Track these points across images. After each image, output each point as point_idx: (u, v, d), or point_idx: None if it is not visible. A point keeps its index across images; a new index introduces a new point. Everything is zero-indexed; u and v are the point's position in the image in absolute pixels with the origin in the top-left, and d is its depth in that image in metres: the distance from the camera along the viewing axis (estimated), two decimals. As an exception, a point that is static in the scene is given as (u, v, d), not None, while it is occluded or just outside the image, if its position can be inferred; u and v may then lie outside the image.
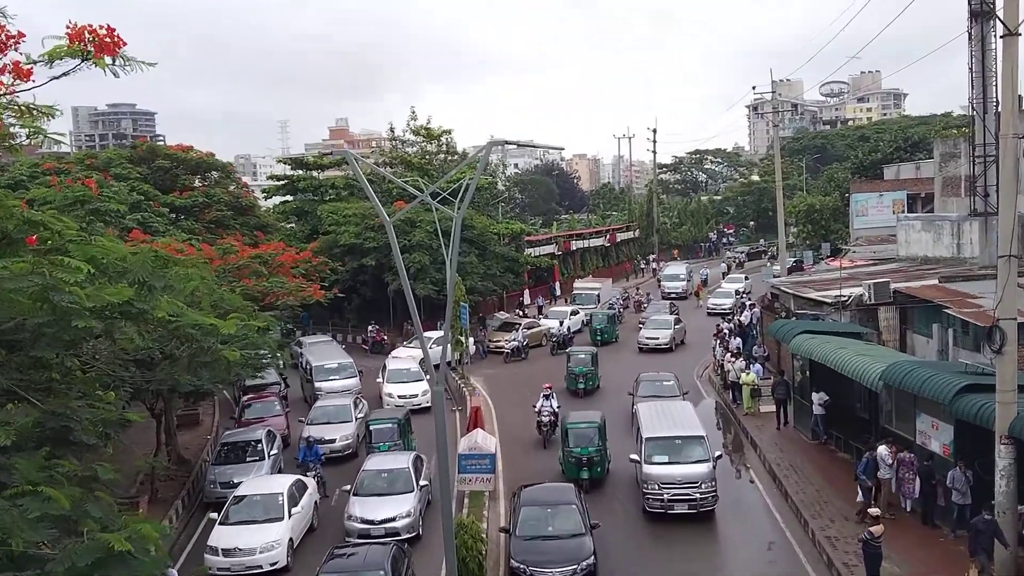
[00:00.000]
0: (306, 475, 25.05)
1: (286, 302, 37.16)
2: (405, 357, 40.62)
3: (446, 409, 17.87)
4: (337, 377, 36.96)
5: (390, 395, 35.73)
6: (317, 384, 36.49)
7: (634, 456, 24.42)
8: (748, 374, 32.90)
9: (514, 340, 45.49)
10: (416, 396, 35.41)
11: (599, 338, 46.64)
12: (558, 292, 65.19)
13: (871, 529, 18.07)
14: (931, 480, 21.07)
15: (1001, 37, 18.71)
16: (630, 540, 22.15)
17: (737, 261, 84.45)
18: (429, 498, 24.39)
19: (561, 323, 49.03)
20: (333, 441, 29.69)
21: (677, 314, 50.18)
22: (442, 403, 16.25)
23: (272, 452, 27.20)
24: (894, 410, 24.76)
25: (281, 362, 38.17)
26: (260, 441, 27.32)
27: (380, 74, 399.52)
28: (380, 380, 36.96)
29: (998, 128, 23.03)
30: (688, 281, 65.88)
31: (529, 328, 48.07)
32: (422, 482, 23.97)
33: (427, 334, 42.13)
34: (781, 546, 21.65)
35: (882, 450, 22.39)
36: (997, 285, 18.64)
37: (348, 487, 23.68)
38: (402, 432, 28.07)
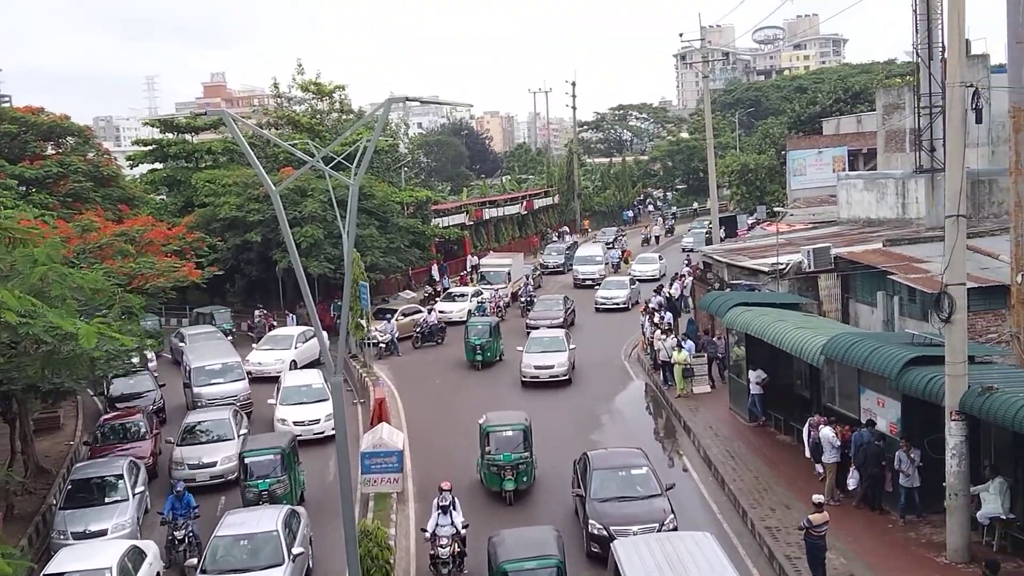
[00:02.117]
0: (174, 533, 22.05)
1: (157, 284, 36.19)
2: (305, 370, 36.76)
3: (346, 402, 17.67)
4: (221, 380, 34.46)
5: (283, 420, 31.00)
6: (196, 390, 34.12)
7: None
8: (680, 352, 33.36)
9: (386, 333, 42.80)
10: (319, 421, 30.78)
11: (478, 357, 39.16)
12: (468, 267, 63.75)
13: (810, 517, 18.50)
14: (880, 462, 21.64)
15: (945, -24, 19.15)
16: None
17: (660, 230, 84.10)
18: (310, 565, 21.33)
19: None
20: (214, 464, 27.12)
21: (570, 319, 46.24)
22: (341, 395, 16.07)
23: (137, 489, 24.48)
24: (837, 387, 25.43)
25: (151, 355, 37.09)
26: (121, 476, 24.40)
27: (261, 21, 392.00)
28: (272, 401, 32.45)
29: (944, 76, 23.68)
30: (605, 264, 62.08)
31: (407, 315, 46.96)
32: (296, 549, 19.99)
33: (281, 333, 42.46)
34: (719, 539, 22.01)
35: (827, 431, 22.94)
36: (945, 248, 19.18)
37: (195, 560, 20.74)
38: (286, 464, 24.35)
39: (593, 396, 34.97)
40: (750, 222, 64.93)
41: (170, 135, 60.97)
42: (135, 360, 31.23)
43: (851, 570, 19.09)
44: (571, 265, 63.28)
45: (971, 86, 24.45)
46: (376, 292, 50.55)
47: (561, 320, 44.78)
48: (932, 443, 20.41)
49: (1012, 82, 23.58)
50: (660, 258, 63.22)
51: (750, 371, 28.88)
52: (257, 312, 48.47)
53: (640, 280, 55.90)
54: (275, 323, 48.01)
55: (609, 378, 37.69)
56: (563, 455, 27.08)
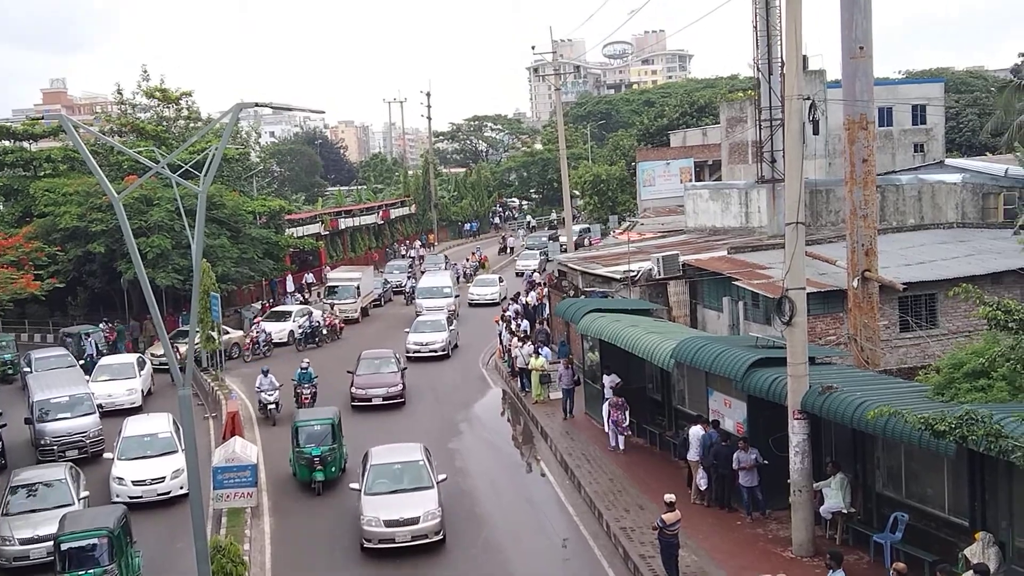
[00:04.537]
0: None
1: (-8, 297, 34.42)
2: (147, 415, 31.30)
3: (197, 416, 17.13)
4: (68, 415, 30.27)
5: (120, 479, 25.83)
6: (39, 427, 29.94)
7: None
8: (537, 358, 33.68)
9: (273, 391, 33.21)
10: (163, 480, 25.89)
11: (318, 474, 26.00)
12: (303, 283, 61.33)
13: (664, 517, 18.88)
14: (728, 461, 22.26)
15: (783, -6, 19.93)
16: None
17: (515, 240, 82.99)
18: None
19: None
20: (47, 539, 21.12)
21: (402, 369, 35.98)
22: (190, 407, 15.59)
23: None
24: (687, 389, 26.12)
25: None
26: None
27: (103, 22, 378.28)
28: (111, 455, 27.34)
29: (783, 89, 24.60)
30: (455, 298, 52.65)
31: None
32: None
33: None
34: (575, 541, 22.34)
35: (696, 429, 23.44)
36: (785, 254, 19.95)
37: None
38: (115, 549, 19.50)
39: (452, 404, 34.93)
40: (599, 236, 66.39)
41: (6, 142, 57.97)
42: None
43: (703, 567, 19.59)
44: (414, 290, 55.37)
45: (808, 99, 25.62)
46: (228, 303, 49.33)
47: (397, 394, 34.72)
48: (776, 441, 21.16)
49: (847, 96, 24.77)
50: (500, 280, 59.47)
51: (604, 375, 29.35)
52: (102, 326, 46.49)
53: (478, 304, 54.67)
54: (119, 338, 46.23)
55: (468, 387, 37.73)
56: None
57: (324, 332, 46.34)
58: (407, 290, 58.20)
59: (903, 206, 36.84)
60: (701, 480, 22.92)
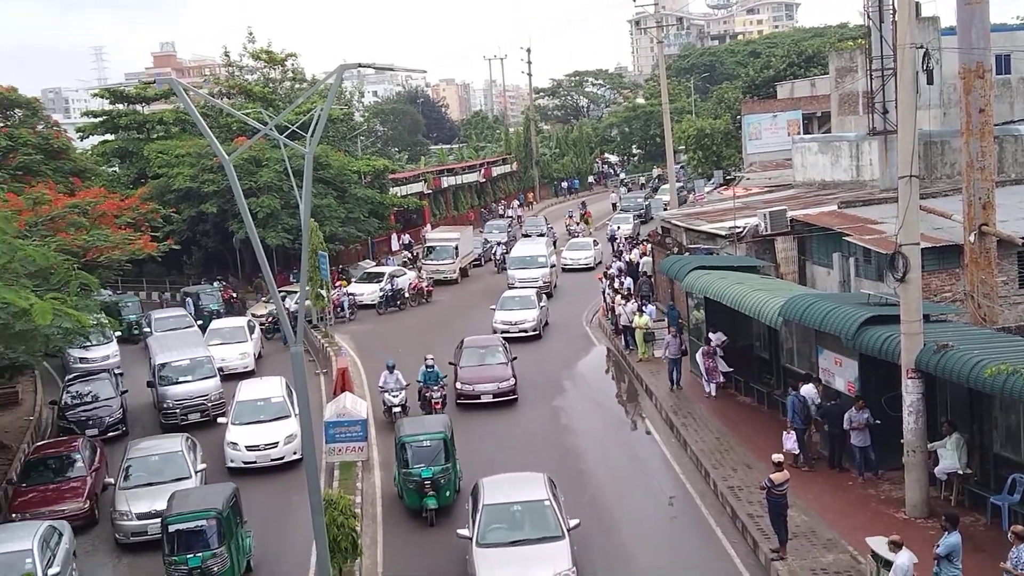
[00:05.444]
0: None
1: (112, 257, 35.62)
2: (261, 381, 30.42)
3: (308, 372, 17.56)
4: (190, 378, 30.56)
5: (234, 444, 25.94)
6: (161, 390, 30.28)
7: None
8: (641, 316, 33.52)
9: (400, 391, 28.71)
10: (276, 445, 25.91)
11: (430, 500, 21.95)
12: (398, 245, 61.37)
13: (772, 476, 18.64)
14: (839, 421, 21.89)
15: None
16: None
17: (617, 197, 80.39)
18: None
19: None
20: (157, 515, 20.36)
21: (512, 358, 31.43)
22: (302, 365, 15.96)
23: (52, 571, 18.69)
24: (795, 348, 25.71)
25: (111, 334, 34.77)
26: (30, 552, 18.49)
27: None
28: (224, 420, 27.50)
29: (895, 38, 23.79)
30: (551, 268, 47.69)
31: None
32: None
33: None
34: (682, 500, 22.31)
35: (808, 389, 23.08)
36: (899, 209, 19.40)
37: None
38: (224, 530, 18.93)
39: (555, 362, 35.06)
40: (707, 189, 64.98)
41: (120, 106, 59.89)
42: (92, 338, 29.74)
43: (812, 527, 19.38)
44: (505, 258, 51.81)
45: (922, 47, 24.63)
46: (336, 262, 50.26)
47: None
48: (889, 401, 20.72)
49: (962, 44, 23.76)
50: (595, 243, 56.58)
51: (710, 333, 29.09)
52: (216, 284, 47.88)
53: (571, 270, 52.19)
54: (235, 294, 47.56)
55: (571, 345, 37.83)
56: (527, 423, 27.36)
57: (406, 296, 45.61)
58: (497, 257, 55.19)
59: (1022, 157, 35.41)
60: (787, 441, 22.36)
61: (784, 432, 22.72)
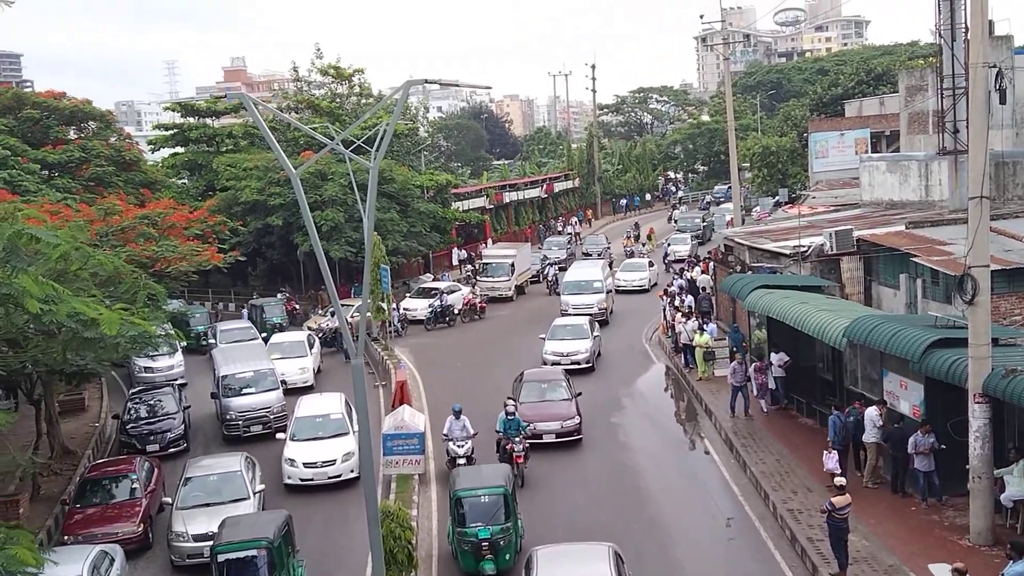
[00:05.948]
0: None
1: (179, 268, 36.37)
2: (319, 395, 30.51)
3: (368, 385, 17.73)
4: (253, 390, 30.82)
5: (292, 461, 25.78)
6: (224, 401, 30.54)
7: None
8: (701, 335, 33.29)
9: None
10: (335, 463, 25.67)
11: (488, 564, 19.60)
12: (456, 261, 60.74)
13: (833, 500, 18.41)
14: (903, 445, 21.52)
15: (970, -44, 18.94)
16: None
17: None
18: None
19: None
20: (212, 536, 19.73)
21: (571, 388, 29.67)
22: (362, 377, 16.12)
23: None
24: (859, 369, 25.33)
25: (177, 345, 34.42)
26: None
27: (271, 6, 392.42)
28: (283, 435, 27.11)
29: (967, 57, 23.40)
30: (607, 294, 44.71)
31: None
32: None
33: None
34: (740, 521, 22.09)
35: (872, 411, 22.77)
36: (968, 230, 19.06)
37: None
38: (275, 560, 18.29)
39: (614, 379, 34.94)
40: (771, 205, 64.30)
41: (191, 119, 61.22)
42: (161, 347, 30.04)
43: (874, 552, 19.07)
44: (557, 280, 49.71)
45: (994, 67, 24.29)
46: (397, 276, 50.67)
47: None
48: (955, 425, 20.32)
49: (1037, 62, 23.35)
50: (650, 264, 54.55)
51: (772, 353, 28.79)
52: (279, 295, 48.62)
53: (626, 291, 50.35)
54: (297, 306, 48.17)
55: (630, 362, 37.65)
56: (586, 442, 27.32)
57: (456, 312, 45.28)
58: (550, 279, 52.34)
59: (1096, 179, 34.64)
60: (829, 460, 22.05)
61: (825, 452, 22.50)
